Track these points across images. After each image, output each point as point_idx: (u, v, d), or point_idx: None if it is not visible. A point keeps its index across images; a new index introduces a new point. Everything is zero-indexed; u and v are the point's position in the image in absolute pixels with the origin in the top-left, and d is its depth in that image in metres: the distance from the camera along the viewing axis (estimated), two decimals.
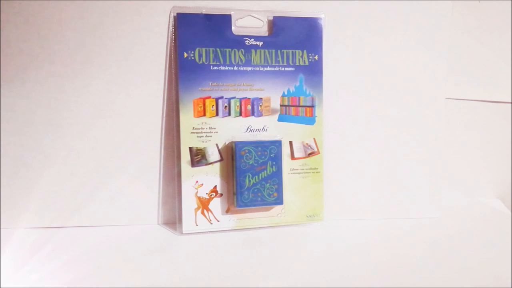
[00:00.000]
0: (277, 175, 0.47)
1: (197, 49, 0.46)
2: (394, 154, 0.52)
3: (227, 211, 0.47)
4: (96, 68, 0.46)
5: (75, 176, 0.47)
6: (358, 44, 0.51)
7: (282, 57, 0.48)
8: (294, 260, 0.42)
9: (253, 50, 0.47)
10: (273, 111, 0.48)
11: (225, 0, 0.47)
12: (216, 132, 0.47)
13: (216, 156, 0.47)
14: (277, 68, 0.48)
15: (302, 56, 0.49)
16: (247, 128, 0.48)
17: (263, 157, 0.47)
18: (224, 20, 0.47)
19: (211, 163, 0.47)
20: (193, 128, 0.46)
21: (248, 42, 0.47)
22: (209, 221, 0.47)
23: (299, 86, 0.49)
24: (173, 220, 0.48)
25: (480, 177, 0.62)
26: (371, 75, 0.51)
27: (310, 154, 0.49)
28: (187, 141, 0.46)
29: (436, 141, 0.53)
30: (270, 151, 0.47)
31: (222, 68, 0.47)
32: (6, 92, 0.45)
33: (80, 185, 0.47)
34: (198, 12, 0.46)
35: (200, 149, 0.46)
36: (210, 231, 0.47)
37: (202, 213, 0.46)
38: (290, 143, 0.49)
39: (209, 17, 0.46)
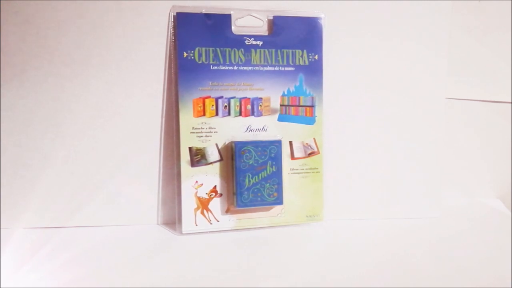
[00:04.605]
0: (277, 175, 0.47)
1: (197, 49, 0.46)
2: (394, 154, 0.52)
3: (227, 211, 0.47)
4: (95, 68, 0.46)
5: (75, 176, 0.47)
6: (358, 44, 0.51)
7: (282, 57, 0.48)
8: (294, 260, 0.42)
9: (253, 50, 0.47)
10: (273, 111, 0.48)
11: None
12: (216, 132, 0.47)
13: (216, 156, 0.47)
14: (277, 68, 0.48)
15: (302, 56, 0.49)
16: (247, 128, 0.48)
17: (263, 157, 0.47)
18: (224, 20, 0.47)
19: (210, 163, 0.47)
20: (192, 128, 0.46)
21: (248, 42, 0.47)
22: (209, 221, 0.47)
23: (299, 86, 0.49)
24: (173, 220, 0.48)
25: (480, 177, 0.62)
26: (371, 75, 0.51)
27: (310, 154, 0.49)
28: (187, 141, 0.46)
29: (436, 141, 0.53)
30: (270, 151, 0.47)
31: (222, 67, 0.47)
32: (6, 92, 0.45)
33: (80, 185, 0.47)
34: (198, 11, 0.46)
35: (200, 149, 0.46)
36: (209, 231, 0.47)
37: (202, 213, 0.46)
38: (290, 143, 0.49)
39: (209, 17, 0.46)
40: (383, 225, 0.51)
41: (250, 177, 0.46)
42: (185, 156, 0.46)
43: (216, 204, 0.47)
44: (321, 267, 0.41)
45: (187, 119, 0.46)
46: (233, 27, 0.47)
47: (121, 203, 0.48)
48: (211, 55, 0.46)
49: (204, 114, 0.46)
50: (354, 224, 0.51)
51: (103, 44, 0.46)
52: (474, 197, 0.62)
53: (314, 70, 0.49)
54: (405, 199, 0.53)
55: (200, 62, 0.46)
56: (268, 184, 0.47)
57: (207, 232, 0.47)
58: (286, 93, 0.48)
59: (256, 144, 0.46)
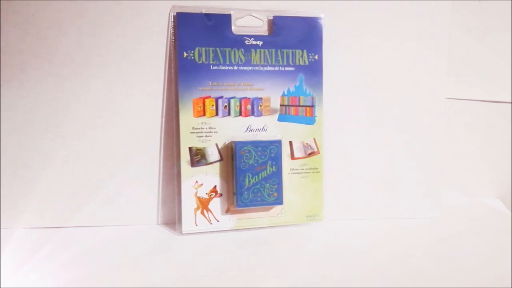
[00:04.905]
0: (277, 175, 0.47)
1: (197, 49, 0.46)
2: (394, 154, 0.52)
3: (227, 211, 0.47)
4: (95, 68, 0.46)
5: (75, 176, 0.47)
6: (358, 44, 0.51)
7: (282, 57, 0.48)
8: (294, 260, 0.42)
9: (253, 50, 0.47)
10: (273, 111, 0.48)
11: None
12: (216, 132, 0.47)
13: (216, 156, 0.47)
14: (277, 68, 0.48)
15: (302, 56, 0.49)
16: (247, 128, 0.48)
17: (263, 157, 0.47)
18: (224, 20, 0.47)
19: (210, 163, 0.47)
20: (192, 128, 0.46)
21: (248, 42, 0.47)
22: (209, 221, 0.47)
23: (299, 86, 0.49)
24: (173, 220, 0.48)
25: (480, 177, 0.62)
26: (371, 75, 0.51)
27: (310, 154, 0.49)
28: (187, 141, 0.46)
29: (436, 141, 0.53)
30: (270, 151, 0.47)
31: (222, 67, 0.47)
32: (6, 92, 0.45)
33: (80, 185, 0.47)
34: (198, 11, 0.46)
35: (200, 149, 0.46)
36: (209, 231, 0.47)
37: (202, 213, 0.46)
38: (290, 143, 0.49)
39: (209, 17, 0.46)
40: (383, 225, 0.51)
41: (250, 177, 0.46)
42: (185, 156, 0.46)
43: (216, 204, 0.47)
44: (321, 267, 0.41)
45: (187, 119, 0.46)
46: (233, 27, 0.47)
47: (121, 203, 0.48)
48: (211, 55, 0.46)
49: (204, 114, 0.46)
50: (354, 224, 0.51)
51: (103, 44, 0.46)
52: (474, 197, 0.62)
53: (314, 70, 0.49)
54: (405, 199, 0.53)
55: (200, 62, 0.46)
56: (268, 184, 0.47)
57: (207, 232, 0.47)
58: (286, 93, 0.48)
59: (256, 144, 0.46)
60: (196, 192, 0.46)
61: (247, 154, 0.46)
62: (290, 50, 0.48)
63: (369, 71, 0.51)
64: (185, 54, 0.46)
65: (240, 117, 0.47)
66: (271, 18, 0.48)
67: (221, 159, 0.47)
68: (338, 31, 0.50)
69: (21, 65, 0.45)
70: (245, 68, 0.47)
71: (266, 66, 0.48)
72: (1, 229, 0.46)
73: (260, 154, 0.46)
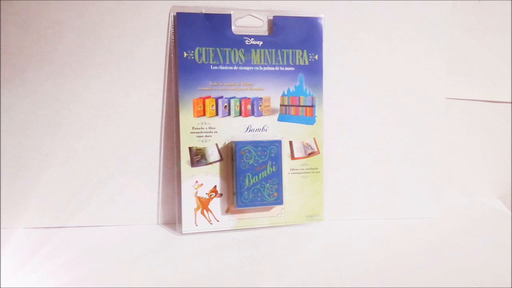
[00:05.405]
0: (277, 175, 0.47)
1: (197, 49, 0.46)
2: (394, 154, 0.52)
3: (227, 211, 0.47)
4: (95, 68, 0.46)
5: (75, 176, 0.47)
6: (358, 44, 0.51)
7: (282, 57, 0.48)
8: (294, 260, 0.42)
9: (253, 50, 0.47)
10: (273, 111, 0.48)
11: None
12: (216, 132, 0.47)
13: (216, 156, 0.47)
14: (277, 68, 0.48)
15: (302, 56, 0.49)
16: (247, 128, 0.48)
17: (263, 157, 0.47)
18: (224, 20, 0.47)
19: (210, 163, 0.47)
20: (192, 128, 0.46)
21: (248, 42, 0.47)
22: (209, 221, 0.47)
23: (299, 86, 0.49)
24: (173, 220, 0.48)
25: (480, 177, 0.62)
26: (371, 75, 0.51)
27: (310, 154, 0.49)
28: (187, 141, 0.46)
29: (436, 141, 0.53)
30: (270, 151, 0.47)
31: (222, 67, 0.47)
32: (6, 92, 0.45)
33: (80, 185, 0.47)
34: (198, 11, 0.46)
35: (200, 149, 0.46)
36: (209, 231, 0.47)
37: (202, 213, 0.46)
38: (290, 143, 0.49)
39: (209, 17, 0.46)
40: (383, 225, 0.51)
41: (250, 177, 0.46)
42: (185, 156, 0.46)
43: (216, 204, 0.47)
44: (321, 267, 0.41)
45: (187, 119, 0.46)
46: (233, 27, 0.47)
47: (121, 203, 0.48)
48: (211, 55, 0.46)
49: (204, 114, 0.46)
50: (354, 224, 0.51)
51: (102, 44, 0.46)
52: (474, 197, 0.62)
53: (314, 70, 0.49)
54: (405, 199, 0.53)
55: (200, 62, 0.46)
56: (268, 184, 0.47)
57: (207, 232, 0.47)
58: (286, 93, 0.49)
59: (256, 144, 0.46)
60: (196, 192, 0.46)
61: (247, 154, 0.46)
62: (290, 50, 0.48)
63: (369, 71, 0.51)
64: (185, 54, 0.46)
65: (240, 117, 0.47)
66: (271, 18, 0.48)
67: (221, 159, 0.47)
68: (338, 31, 0.50)
69: (21, 65, 0.45)
70: (245, 68, 0.47)
71: (266, 66, 0.48)
72: (1, 229, 0.46)
73: (260, 154, 0.46)
